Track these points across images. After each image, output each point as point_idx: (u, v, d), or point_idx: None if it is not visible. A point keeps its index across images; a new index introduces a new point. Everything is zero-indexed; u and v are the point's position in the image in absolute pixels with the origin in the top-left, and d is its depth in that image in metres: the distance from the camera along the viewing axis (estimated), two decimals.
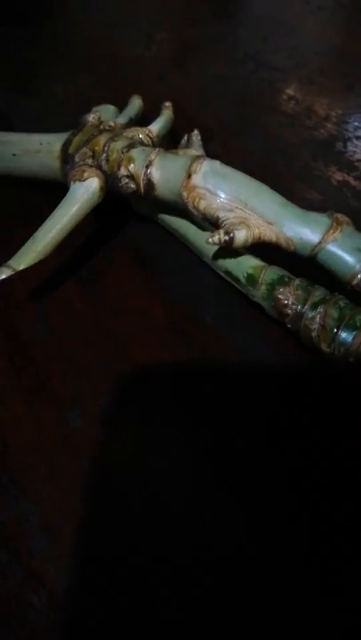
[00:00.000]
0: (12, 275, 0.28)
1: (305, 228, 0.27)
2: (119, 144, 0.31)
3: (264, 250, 0.28)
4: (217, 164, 0.28)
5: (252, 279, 0.29)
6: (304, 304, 0.26)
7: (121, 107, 0.39)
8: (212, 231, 0.28)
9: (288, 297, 0.27)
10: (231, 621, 0.21)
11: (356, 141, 0.42)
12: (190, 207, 0.29)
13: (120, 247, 0.36)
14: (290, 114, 0.46)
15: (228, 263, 0.30)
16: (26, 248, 0.29)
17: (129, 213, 0.36)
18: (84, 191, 0.31)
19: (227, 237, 0.27)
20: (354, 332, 0.25)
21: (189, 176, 0.28)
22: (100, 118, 0.35)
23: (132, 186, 0.31)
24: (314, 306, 0.26)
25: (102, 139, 0.32)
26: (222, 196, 0.28)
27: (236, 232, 0.27)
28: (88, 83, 0.51)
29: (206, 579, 0.22)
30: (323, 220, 0.27)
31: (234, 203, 0.27)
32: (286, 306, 0.27)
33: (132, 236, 0.36)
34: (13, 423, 0.27)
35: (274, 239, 0.28)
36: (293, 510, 0.24)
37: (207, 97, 0.48)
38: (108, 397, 0.28)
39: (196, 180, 0.28)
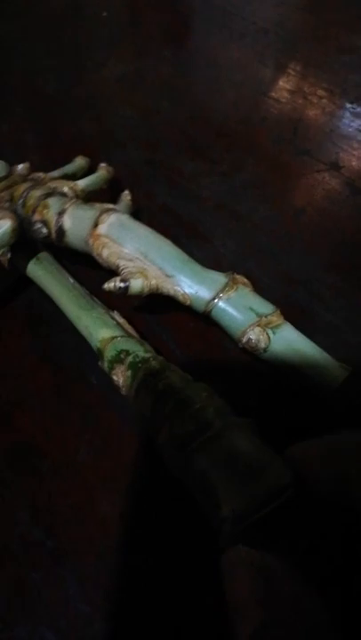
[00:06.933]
0: None
1: (201, 284, 0.27)
2: (38, 192, 0.32)
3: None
4: (124, 217, 0.29)
5: (100, 354, 0.28)
6: (131, 384, 0.26)
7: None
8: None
9: (119, 378, 0.26)
10: None
11: None
12: (95, 254, 0.29)
13: (12, 307, 0.35)
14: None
15: (85, 333, 0.30)
16: None
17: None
18: None
19: (122, 285, 0.27)
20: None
21: (96, 225, 0.29)
22: (28, 168, 0.36)
23: (44, 231, 0.31)
24: (137, 389, 0.25)
25: (23, 186, 0.33)
26: (125, 246, 0.28)
27: (133, 280, 0.27)
28: (16, 125, 0.51)
29: None
30: (219, 278, 0.28)
31: (135, 253, 0.28)
32: (119, 387, 0.27)
33: (25, 296, 0.35)
34: None
35: (171, 292, 0.28)
36: None
37: (118, 140, 0.48)
38: None
39: (102, 229, 0.29)
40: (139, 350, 0.27)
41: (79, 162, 0.40)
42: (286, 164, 0.44)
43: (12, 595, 0.22)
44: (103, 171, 0.38)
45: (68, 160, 0.40)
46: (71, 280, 0.32)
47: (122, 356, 0.27)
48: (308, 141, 0.46)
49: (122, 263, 0.28)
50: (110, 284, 0.27)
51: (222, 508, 0.20)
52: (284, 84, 0.53)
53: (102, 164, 0.39)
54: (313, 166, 0.43)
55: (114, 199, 0.36)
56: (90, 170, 0.39)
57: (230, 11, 0.67)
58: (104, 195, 0.38)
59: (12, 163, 0.36)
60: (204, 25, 0.66)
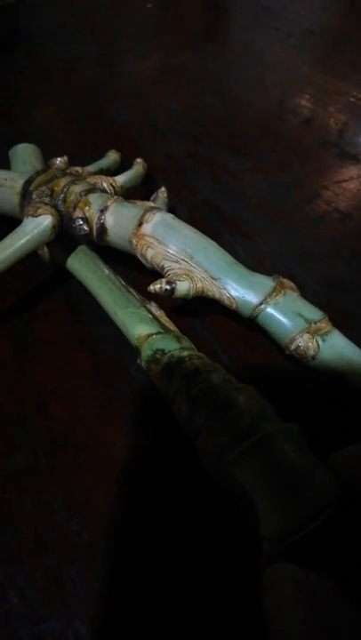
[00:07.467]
0: None
1: (248, 288, 0.27)
2: (79, 187, 0.31)
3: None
4: (169, 216, 0.29)
5: (137, 351, 0.28)
6: (168, 388, 0.25)
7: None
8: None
9: (156, 380, 0.26)
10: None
11: None
12: (138, 255, 0.29)
13: (52, 296, 0.34)
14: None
15: (122, 329, 0.29)
16: None
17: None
18: (35, 226, 0.30)
19: (168, 287, 0.27)
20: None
21: (140, 224, 0.28)
22: (67, 162, 0.36)
23: (86, 228, 0.31)
24: (173, 393, 0.25)
25: (63, 180, 0.32)
26: (170, 246, 0.28)
27: (179, 283, 0.27)
28: (49, 114, 0.50)
29: None
30: (267, 282, 0.27)
31: (180, 255, 0.27)
32: (156, 388, 0.26)
33: (65, 285, 0.35)
34: None
35: (217, 295, 0.27)
36: None
37: (160, 132, 0.48)
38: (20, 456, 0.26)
39: (147, 228, 0.28)
40: (175, 349, 0.26)
41: (113, 156, 0.40)
42: (332, 167, 0.43)
43: (47, 587, 0.22)
44: (139, 166, 0.37)
45: (108, 150, 0.40)
46: (106, 271, 0.31)
47: (157, 355, 0.26)
48: (355, 145, 0.45)
49: (167, 264, 0.28)
50: (156, 286, 0.27)
51: (261, 526, 0.19)
52: (329, 86, 0.52)
53: (138, 160, 0.38)
54: (360, 171, 0.42)
55: (146, 194, 0.36)
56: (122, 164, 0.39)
57: (276, 11, 0.66)
58: (137, 189, 0.38)
59: (50, 151, 0.36)
60: (249, 23, 0.66)
